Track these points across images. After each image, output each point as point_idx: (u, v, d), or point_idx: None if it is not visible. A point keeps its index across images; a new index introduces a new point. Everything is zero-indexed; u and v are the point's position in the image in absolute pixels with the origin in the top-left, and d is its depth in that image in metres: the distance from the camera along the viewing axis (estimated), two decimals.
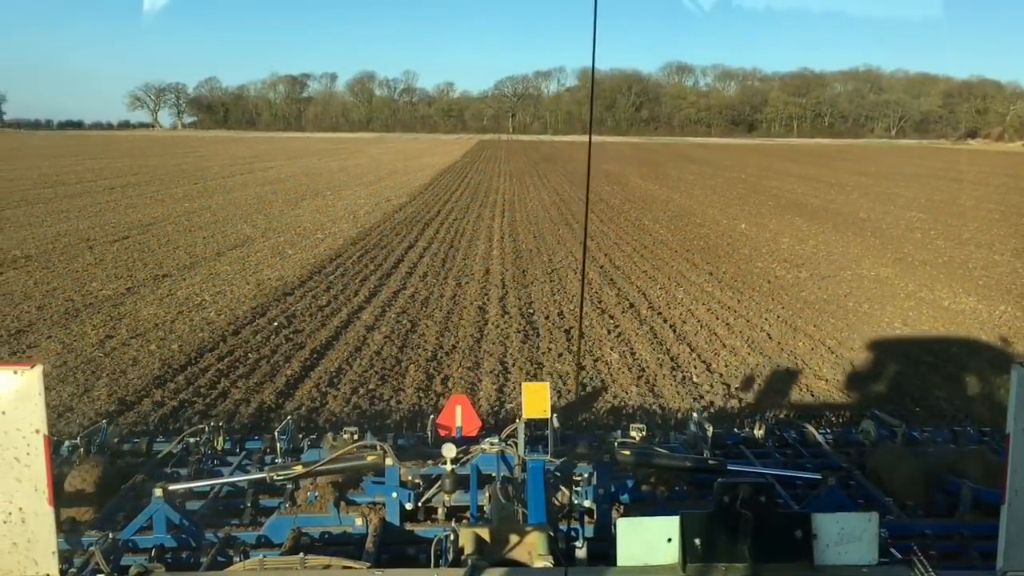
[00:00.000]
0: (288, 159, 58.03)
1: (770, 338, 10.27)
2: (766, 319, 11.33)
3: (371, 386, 8.28)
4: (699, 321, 11.17)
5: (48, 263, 15.55)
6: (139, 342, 9.97)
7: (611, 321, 11.18)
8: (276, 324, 10.88)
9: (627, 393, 8.09)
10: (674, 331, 10.60)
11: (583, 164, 55.57)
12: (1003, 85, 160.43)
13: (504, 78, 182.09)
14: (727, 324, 11.02)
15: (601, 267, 15.44)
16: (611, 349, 9.73)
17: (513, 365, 9.06)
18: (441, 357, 9.41)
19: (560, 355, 9.47)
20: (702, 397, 7.98)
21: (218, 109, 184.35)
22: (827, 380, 8.63)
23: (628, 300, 12.54)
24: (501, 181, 38.48)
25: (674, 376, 8.67)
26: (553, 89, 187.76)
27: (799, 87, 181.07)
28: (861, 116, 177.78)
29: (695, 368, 8.95)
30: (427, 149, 78.99)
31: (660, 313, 11.66)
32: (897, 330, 10.84)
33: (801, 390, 8.26)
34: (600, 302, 12.40)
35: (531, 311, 11.76)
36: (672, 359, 9.33)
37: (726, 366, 9.05)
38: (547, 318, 11.30)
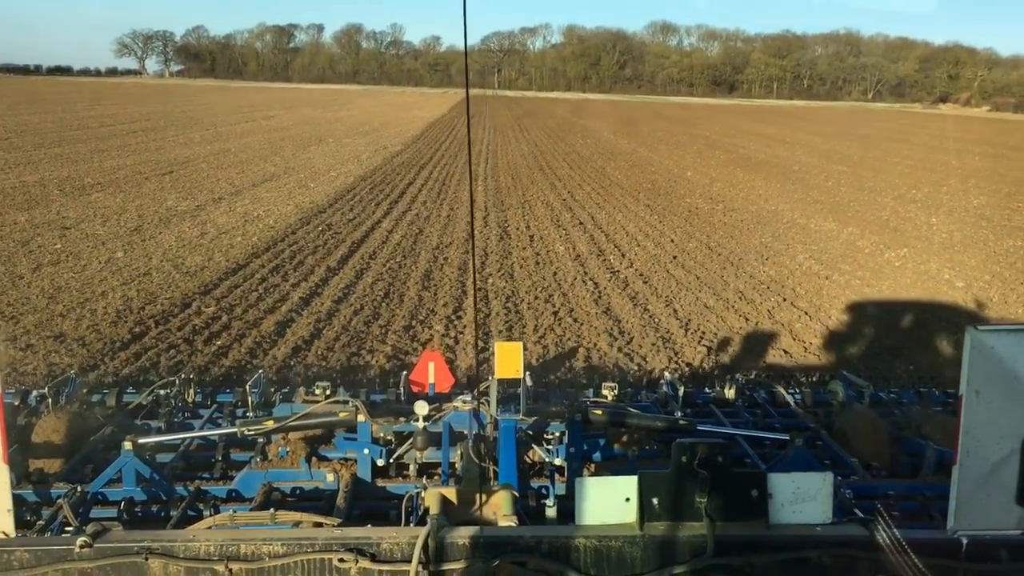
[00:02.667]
0: (285, 109, 61.30)
1: (672, 242, 14.64)
2: (675, 232, 15.67)
3: (397, 260, 12.54)
4: (627, 232, 15.48)
5: (120, 189, 19.49)
6: (227, 237, 14.10)
7: (563, 231, 15.45)
8: (320, 228, 15.05)
9: (566, 267, 12.39)
10: (606, 237, 14.93)
11: (562, 120, 59.43)
12: (978, 51, 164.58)
13: (491, 33, 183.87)
14: (646, 234, 15.35)
15: (563, 200, 19.66)
16: (559, 245, 14.04)
17: (491, 253, 13.32)
18: (442, 247, 13.66)
19: (524, 248, 13.76)
20: (612, 267, 12.34)
21: (205, 58, 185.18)
22: (696, 261, 13.03)
23: (579, 220, 16.80)
24: (486, 133, 42.34)
25: (598, 258, 13.03)
26: (539, 45, 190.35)
27: (780, 49, 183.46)
28: (839, 79, 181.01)
29: (613, 255, 13.30)
30: (415, 103, 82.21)
31: (600, 228, 15.94)
32: (765, 240, 15.19)
33: (678, 267, 12.61)
34: (558, 220, 16.67)
35: (506, 225, 16.00)
36: (600, 251, 13.67)
37: (635, 255, 13.40)
38: (517, 229, 15.56)
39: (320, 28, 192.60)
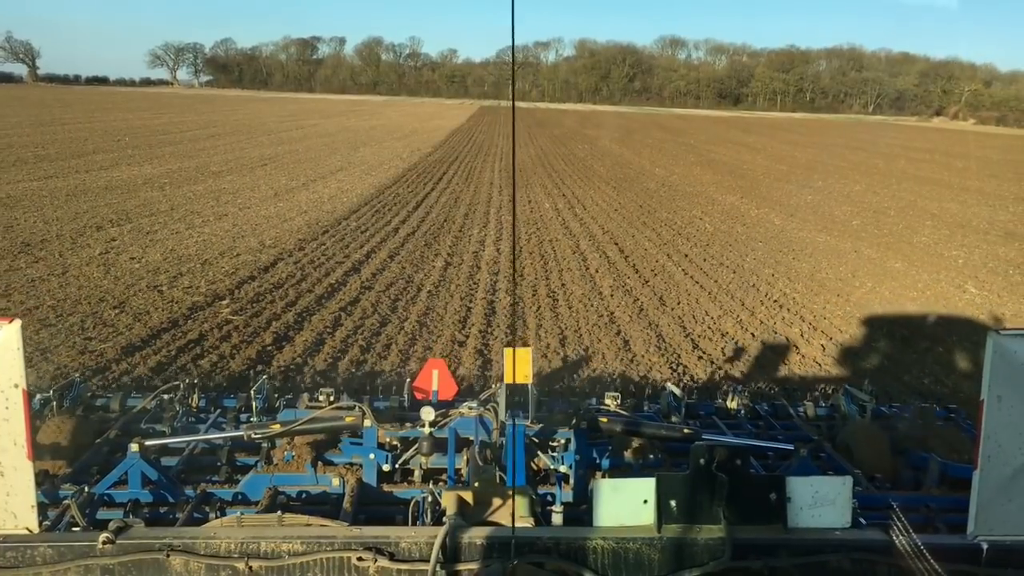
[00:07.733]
0: (322, 118, 69.27)
1: (620, 203, 22.68)
2: (624, 200, 23.74)
3: (447, 209, 20.58)
4: (593, 200, 23.52)
5: (240, 174, 27.49)
6: (336, 199, 22.09)
7: (551, 199, 23.48)
8: (392, 196, 23.10)
9: (548, 214, 20.36)
10: (579, 202, 22.99)
11: (569, 129, 67.32)
12: (976, 66, 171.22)
13: (505, 47, 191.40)
14: (607, 202, 23.37)
15: (555, 184, 27.69)
16: (547, 204, 22.09)
17: (504, 208, 21.31)
18: (473, 206, 21.68)
19: (523, 206, 21.80)
20: (577, 214, 20.37)
21: (233, 69, 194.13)
22: (628, 212, 21.01)
23: (563, 194, 24.84)
24: (499, 139, 50.35)
25: (570, 211, 21.06)
26: (551, 59, 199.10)
27: (784, 63, 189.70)
28: (841, 92, 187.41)
29: (579, 209, 21.36)
30: (435, 113, 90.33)
31: (577, 198, 23.97)
32: (681, 206, 23.15)
33: (616, 214, 20.58)
34: (549, 194, 24.71)
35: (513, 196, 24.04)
36: (571, 207, 21.73)
37: (593, 209, 21.44)
38: (520, 198, 23.58)
39: (342, 41, 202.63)
